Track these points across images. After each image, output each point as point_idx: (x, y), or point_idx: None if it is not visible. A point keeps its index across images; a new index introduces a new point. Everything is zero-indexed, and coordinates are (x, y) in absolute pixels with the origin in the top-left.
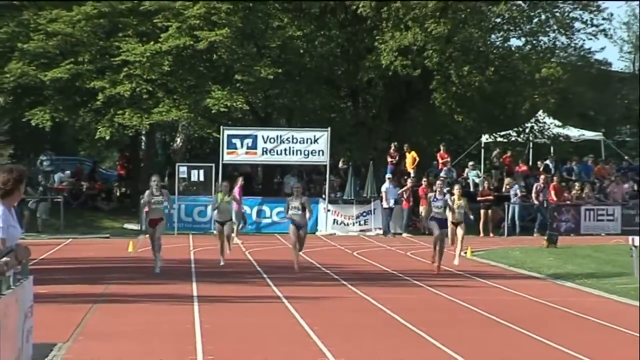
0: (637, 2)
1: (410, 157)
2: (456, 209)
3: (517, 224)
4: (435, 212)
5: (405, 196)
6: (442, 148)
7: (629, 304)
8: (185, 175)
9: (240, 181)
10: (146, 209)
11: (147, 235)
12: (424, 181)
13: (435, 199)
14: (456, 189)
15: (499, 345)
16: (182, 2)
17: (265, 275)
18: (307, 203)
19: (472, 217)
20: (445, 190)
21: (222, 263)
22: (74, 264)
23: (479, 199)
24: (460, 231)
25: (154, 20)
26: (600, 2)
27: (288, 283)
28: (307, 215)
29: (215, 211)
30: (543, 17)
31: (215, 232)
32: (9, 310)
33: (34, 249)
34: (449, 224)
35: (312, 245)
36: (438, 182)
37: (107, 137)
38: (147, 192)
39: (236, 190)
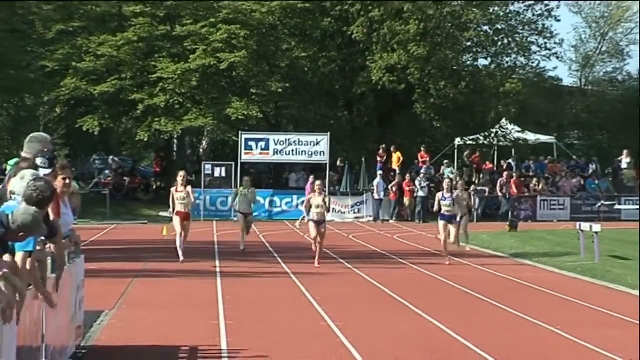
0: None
1: (396, 157)
2: (461, 202)
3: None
4: (444, 209)
5: (393, 190)
6: (422, 149)
7: (576, 278)
8: (210, 172)
9: (311, 179)
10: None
11: (173, 223)
12: (407, 177)
13: (444, 198)
14: (459, 185)
15: (471, 312)
16: (208, 28)
17: (276, 255)
18: (328, 201)
19: (472, 208)
20: (446, 187)
21: (242, 247)
22: (117, 245)
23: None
24: (464, 222)
25: (184, 44)
26: (553, 30)
27: (295, 261)
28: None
29: (236, 203)
30: (505, 41)
31: (238, 220)
32: (65, 283)
33: (85, 233)
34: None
35: None
36: (446, 180)
37: (145, 140)
38: (173, 188)
39: (308, 186)
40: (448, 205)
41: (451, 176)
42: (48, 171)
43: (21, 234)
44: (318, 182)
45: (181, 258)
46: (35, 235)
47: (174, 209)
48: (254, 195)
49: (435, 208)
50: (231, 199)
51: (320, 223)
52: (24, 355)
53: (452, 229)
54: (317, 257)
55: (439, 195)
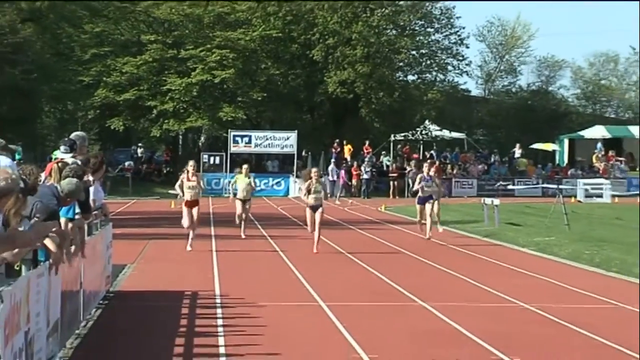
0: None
1: (347, 149)
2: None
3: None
4: (426, 190)
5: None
6: (366, 143)
7: (481, 239)
8: (207, 160)
9: (343, 171)
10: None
11: (183, 214)
12: (355, 163)
13: (426, 179)
14: (432, 170)
15: (401, 265)
16: (205, 52)
17: (256, 222)
18: (324, 186)
19: (442, 189)
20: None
21: (243, 236)
22: (137, 215)
23: (389, 175)
24: (436, 205)
25: (187, 64)
26: (463, 54)
27: (271, 227)
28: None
29: (236, 189)
30: (428, 62)
31: (237, 207)
32: (98, 243)
33: (113, 206)
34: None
35: (285, 204)
36: (425, 164)
37: (158, 136)
38: (183, 175)
39: (342, 174)
40: (429, 186)
41: (388, 163)
42: (69, 155)
43: (68, 199)
44: (315, 169)
45: (189, 248)
46: (78, 199)
47: (183, 194)
48: (253, 182)
49: (416, 187)
50: (231, 186)
51: (317, 208)
52: (67, 298)
53: (428, 207)
54: (315, 243)
55: (420, 177)
